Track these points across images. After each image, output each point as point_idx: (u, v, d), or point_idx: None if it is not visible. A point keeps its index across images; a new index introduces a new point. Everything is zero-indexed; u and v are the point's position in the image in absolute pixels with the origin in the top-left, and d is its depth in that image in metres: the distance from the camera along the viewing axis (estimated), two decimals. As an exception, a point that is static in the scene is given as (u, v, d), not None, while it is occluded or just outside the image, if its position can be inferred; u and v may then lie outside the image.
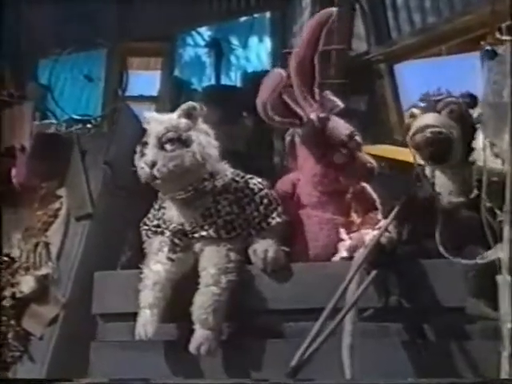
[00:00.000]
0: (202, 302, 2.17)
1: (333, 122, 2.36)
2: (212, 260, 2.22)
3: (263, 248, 2.24)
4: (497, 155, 1.89)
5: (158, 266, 2.26)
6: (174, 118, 2.29)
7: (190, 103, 2.31)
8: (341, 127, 2.36)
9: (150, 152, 2.23)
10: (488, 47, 1.81)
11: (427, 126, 2.19)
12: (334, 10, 2.35)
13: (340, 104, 2.38)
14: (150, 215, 2.43)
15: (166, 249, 2.27)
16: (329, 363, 1.94)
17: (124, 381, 2.22)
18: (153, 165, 2.21)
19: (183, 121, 2.28)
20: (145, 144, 2.27)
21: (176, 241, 2.26)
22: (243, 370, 2.19)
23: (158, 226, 2.38)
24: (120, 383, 2.23)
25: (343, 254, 2.23)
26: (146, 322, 2.19)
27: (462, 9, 3.61)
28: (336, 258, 2.26)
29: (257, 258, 2.25)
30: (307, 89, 2.34)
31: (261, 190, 2.33)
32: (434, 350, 2.09)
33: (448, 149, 2.20)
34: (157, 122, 2.29)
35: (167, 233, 2.30)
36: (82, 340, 2.50)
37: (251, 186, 2.33)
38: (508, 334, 1.76)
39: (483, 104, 1.91)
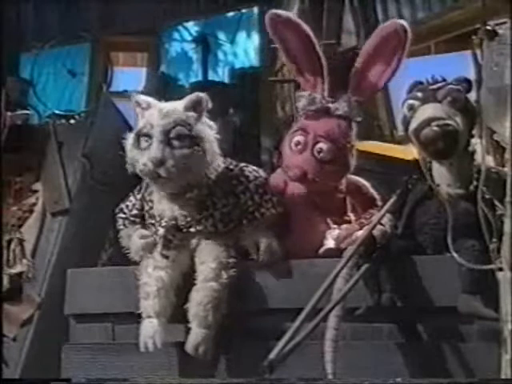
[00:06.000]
0: (201, 298, 2.05)
1: (343, 124, 2.27)
2: (212, 254, 2.12)
3: (268, 241, 2.13)
4: (497, 142, 1.78)
5: (158, 271, 2.13)
6: (180, 109, 2.11)
7: (198, 94, 2.15)
8: (346, 133, 2.27)
9: (156, 148, 2.04)
10: (488, 27, 1.71)
11: (432, 119, 2.01)
12: None
13: (359, 119, 2.31)
14: (128, 203, 2.31)
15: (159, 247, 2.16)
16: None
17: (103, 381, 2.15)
18: (160, 163, 2.04)
19: (191, 114, 2.11)
20: (145, 136, 2.08)
21: (169, 237, 2.15)
22: (229, 370, 2.11)
23: (136, 215, 2.28)
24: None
25: (330, 243, 2.13)
26: (155, 333, 2.06)
27: (453, 3, 3.58)
28: (322, 249, 2.15)
29: (260, 251, 2.13)
30: (371, 72, 2.29)
31: (256, 178, 2.23)
32: (429, 352, 1.99)
33: (455, 142, 2.02)
34: (161, 112, 2.10)
35: (160, 229, 2.18)
36: (57, 341, 2.41)
37: (246, 173, 2.23)
38: (509, 336, 1.65)
39: (483, 88, 1.80)
